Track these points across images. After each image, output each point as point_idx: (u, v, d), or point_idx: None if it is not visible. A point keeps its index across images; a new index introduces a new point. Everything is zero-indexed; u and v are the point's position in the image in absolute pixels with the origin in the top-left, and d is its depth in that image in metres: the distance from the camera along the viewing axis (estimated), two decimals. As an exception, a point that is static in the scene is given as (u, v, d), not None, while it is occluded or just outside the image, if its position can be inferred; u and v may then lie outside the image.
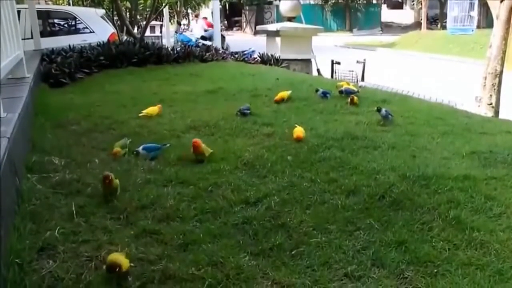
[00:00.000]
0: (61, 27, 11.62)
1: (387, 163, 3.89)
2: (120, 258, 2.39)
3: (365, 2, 40.72)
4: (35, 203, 3.10)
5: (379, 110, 5.32)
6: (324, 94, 6.46)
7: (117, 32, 11.56)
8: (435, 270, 2.53)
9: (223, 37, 22.78)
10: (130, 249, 2.63)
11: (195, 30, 22.14)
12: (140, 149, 4.05)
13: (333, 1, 39.55)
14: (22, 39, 6.34)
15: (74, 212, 3.03)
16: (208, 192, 3.37)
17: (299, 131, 4.50)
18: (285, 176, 3.64)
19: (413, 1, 43.25)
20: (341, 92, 6.61)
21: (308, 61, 12.67)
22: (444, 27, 30.26)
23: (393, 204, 3.19)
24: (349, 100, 6.20)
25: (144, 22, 13.45)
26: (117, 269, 2.33)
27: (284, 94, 6.26)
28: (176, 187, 3.44)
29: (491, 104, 9.38)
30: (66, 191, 3.34)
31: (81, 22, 11.06)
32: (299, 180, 3.57)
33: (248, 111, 5.49)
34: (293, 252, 2.66)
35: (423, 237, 2.84)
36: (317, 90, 6.58)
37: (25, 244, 2.57)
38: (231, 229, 2.90)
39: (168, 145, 4.25)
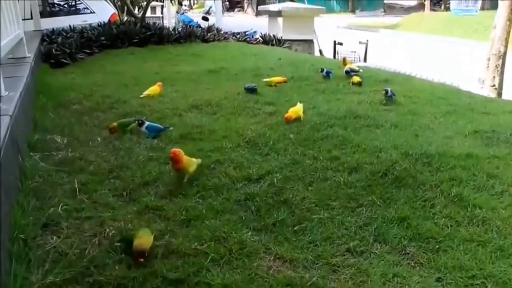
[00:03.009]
0: (61, 8, 11.50)
1: (390, 141, 3.88)
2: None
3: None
4: (38, 181, 3.12)
5: (387, 91, 5.28)
6: (327, 74, 6.47)
7: (118, 13, 11.46)
8: (437, 246, 2.54)
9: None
10: (133, 225, 2.65)
11: None
12: (144, 125, 4.04)
13: (335, -18, 39.16)
14: (22, 19, 6.29)
15: (77, 189, 3.05)
16: (211, 169, 3.37)
17: (292, 111, 4.38)
18: (288, 153, 3.64)
19: (416, -18, 42.64)
20: (347, 72, 6.59)
21: (310, 42, 12.59)
22: (447, 9, 29.91)
23: (396, 181, 3.19)
24: (351, 80, 6.20)
25: (145, 3, 13.30)
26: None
27: (274, 79, 6.17)
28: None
29: (494, 85, 9.33)
30: (69, 169, 3.35)
31: (81, 2, 10.97)
32: (301, 157, 3.57)
33: (255, 88, 5.51)
34: (295, 228, 2.67)
35: (425, 213, 2.85)
36: (321, 70, 6.56)
37: (29, 220, 2.59)
38: (233, 205, 2.90)
39: (171, 128, 4.22)
